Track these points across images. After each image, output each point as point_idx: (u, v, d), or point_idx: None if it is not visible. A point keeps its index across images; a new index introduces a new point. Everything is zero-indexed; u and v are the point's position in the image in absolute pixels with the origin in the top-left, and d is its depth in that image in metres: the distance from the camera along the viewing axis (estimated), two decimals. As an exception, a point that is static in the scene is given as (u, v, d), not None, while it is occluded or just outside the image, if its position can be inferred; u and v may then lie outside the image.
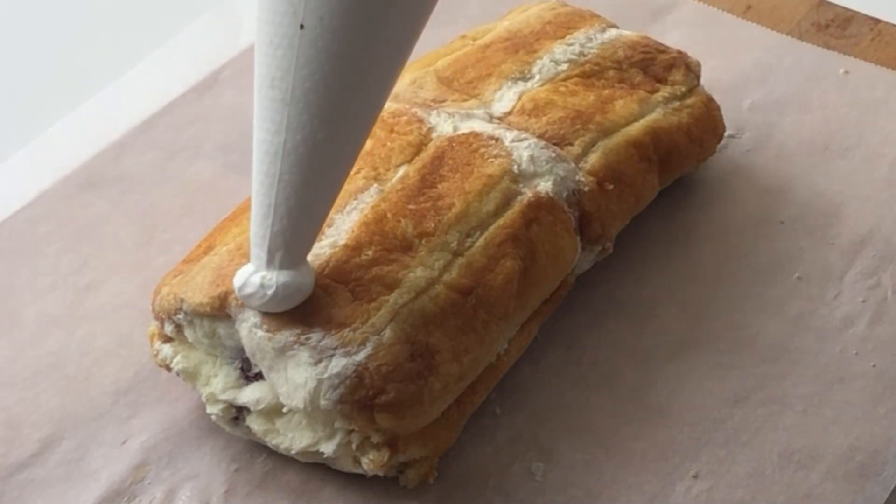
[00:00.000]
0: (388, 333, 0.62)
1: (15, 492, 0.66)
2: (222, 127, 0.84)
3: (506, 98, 0.74)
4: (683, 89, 0.77)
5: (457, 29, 0.84)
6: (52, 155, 0.82)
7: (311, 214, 0.62)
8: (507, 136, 0.71)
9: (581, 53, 0.76)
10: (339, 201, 0.66)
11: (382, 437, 0.63)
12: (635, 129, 0.74)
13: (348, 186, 0.67)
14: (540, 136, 0.71)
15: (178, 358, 0.67)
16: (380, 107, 0.63)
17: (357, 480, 0.65)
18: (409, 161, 0.69)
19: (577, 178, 0.70)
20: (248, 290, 0.62)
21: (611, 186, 0.71)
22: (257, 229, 0.62)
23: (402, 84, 0.75)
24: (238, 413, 0.66)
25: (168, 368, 0.68)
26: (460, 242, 0.66)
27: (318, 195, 0.62)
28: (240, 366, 0.66)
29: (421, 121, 0.71)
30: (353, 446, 0.64)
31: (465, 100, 0.74)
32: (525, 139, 0.71)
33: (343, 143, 0.62)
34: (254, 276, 0.62)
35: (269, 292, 0.62)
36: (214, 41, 0.89)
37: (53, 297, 0.74)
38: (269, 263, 0.62)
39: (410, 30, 0.61)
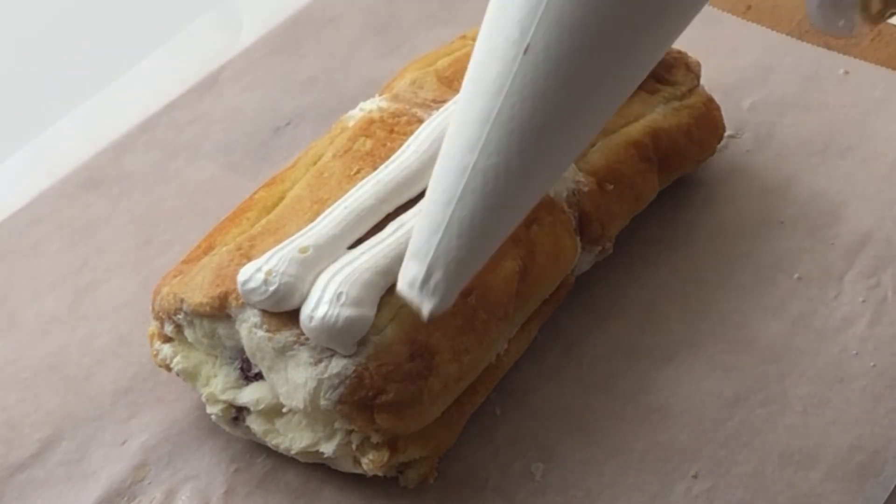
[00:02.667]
0: (388, 333, 0.62)
1: (15, 492, 0.66)
2: (222, 127, 0.84)
3: (506, 98, 0.74)
4: (683, 89, 0.77)
5: (457, 29, 0.84)
6: (52, 155, 0.82)
7: (482, 242, 0.55)
8: (507, 136, 0.71)
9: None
10: (338, 201, 0.66)
11: (382, 437, 0.63)
12: (635, 129, 0.74)
13: (347, 186, 0.67)
14: (540, 136, 0.71)
15: (178, 358, 0.67)
16: (584, 144, 0.58)
17: (357, 480, 0.65)
18: (409, 161, 0.69)
19: (576, 178, 0.70)
20: (251, 285, 0.62)
21: (611, 186, 0.71)
22: (421, 245, 0.54)
23: (402, 84, 0.74)
24: (238, 413, 0.66)
25: (168, 368, 0.68)
26: (460, 242, 0.66)
27: (496, 223, 0.55)
28: (240, 366, 0.66)
29: (421, 121, 0.71)
30: (353, 446, 0.64)
31: (465, 100, 0.73)
32: (525, 139, 0.71)
33: (536, 175, 0.55)
34: (257, 273, 0.62)
35: (271, 288, 0.62)
36: (214, 41, 0.89)
37: (53, 297, 0.74)
38: (423, 284, 0.54)
39: (639, 70, 0.56)
